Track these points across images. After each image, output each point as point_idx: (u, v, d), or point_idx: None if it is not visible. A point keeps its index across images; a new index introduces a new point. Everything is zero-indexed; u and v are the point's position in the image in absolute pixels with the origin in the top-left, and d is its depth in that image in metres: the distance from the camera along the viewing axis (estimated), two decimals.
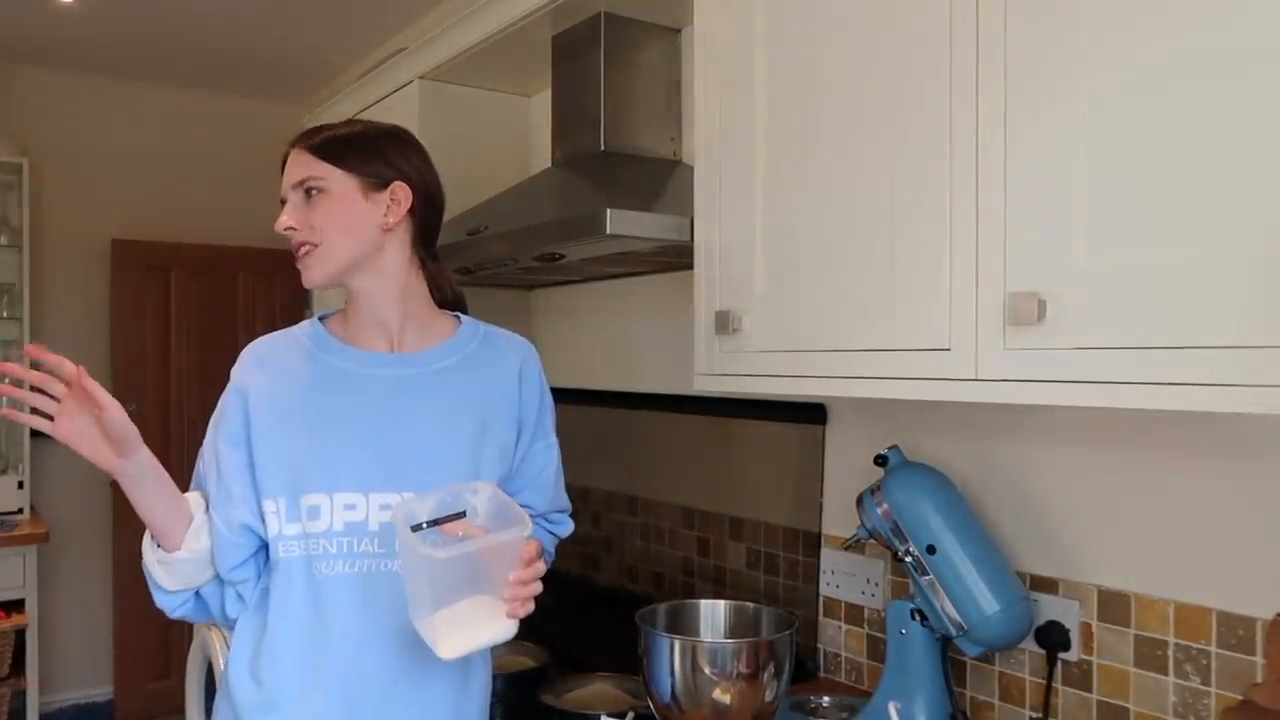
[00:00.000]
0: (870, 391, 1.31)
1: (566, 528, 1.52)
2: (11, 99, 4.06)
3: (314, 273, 1.30)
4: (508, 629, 1.16)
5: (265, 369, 1.32)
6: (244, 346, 1.36)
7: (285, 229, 1.30)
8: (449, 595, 1.14)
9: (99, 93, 4.25)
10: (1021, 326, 1.10)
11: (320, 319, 1.38)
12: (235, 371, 1.34)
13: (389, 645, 1.26)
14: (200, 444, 1.34)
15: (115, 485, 1.20)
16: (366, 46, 3.80)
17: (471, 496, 1.20)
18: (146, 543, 1.26)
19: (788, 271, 1.44)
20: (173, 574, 1.27)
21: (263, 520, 1.27)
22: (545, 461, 1.45)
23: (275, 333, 1.38)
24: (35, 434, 3.89)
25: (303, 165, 1.30)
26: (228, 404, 1.31)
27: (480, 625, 1.15)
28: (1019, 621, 1.38)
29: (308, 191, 1.29)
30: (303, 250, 1.30)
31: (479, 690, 1.37)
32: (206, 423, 1.34)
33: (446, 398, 1.33)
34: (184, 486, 1.29)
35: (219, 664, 2.12)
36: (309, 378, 1.31)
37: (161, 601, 1.30)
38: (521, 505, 1.43)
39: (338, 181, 1.29)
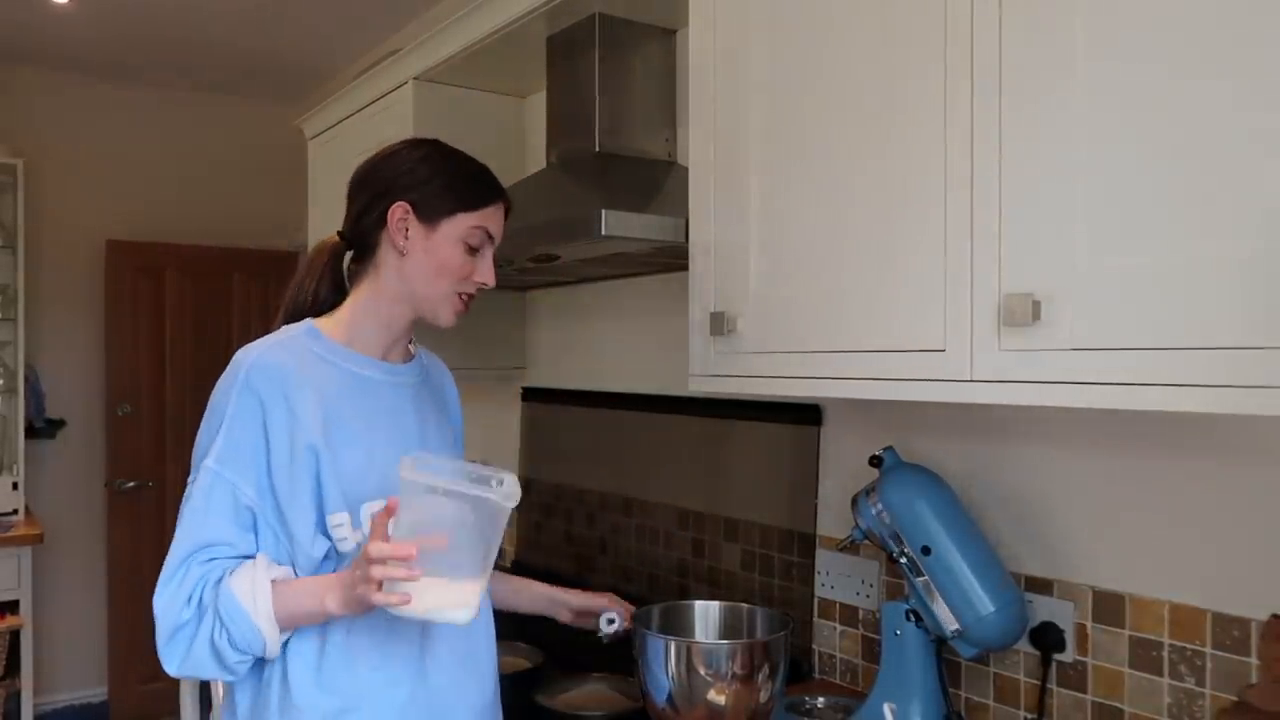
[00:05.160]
0: (865, 392, 1.31)
1: None
2: (7, 99, 4.05)
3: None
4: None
5: (292, 382, 1.25)
6: (238, 347, 1.27)
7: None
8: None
9: (94, 94, 4.25)
10: (1016, 327, 1.10)
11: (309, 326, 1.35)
12: (254, 386, 1.23)
13: (449, 633, 1.29)
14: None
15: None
16: (361, 48, 3.80)
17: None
18: (273, 631, 1.18)
19: (783, 272, 1.44)
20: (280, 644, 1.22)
21: (326, 537, 1.24)
22: None
23: (271, 340, 1.30)
24: (29, 434, 3.89)
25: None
26: (268, 424, 1.22)
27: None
28: (1014, 622, 1.38)
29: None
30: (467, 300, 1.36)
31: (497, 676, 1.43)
32: (201, 424, 1.27)
33: (431, 405, 1.42)
34: (177, 490, 1.24)
35: None
36: (340, 385, 1.29)
37: (242, 669, 1.22)
38: None
39: None
